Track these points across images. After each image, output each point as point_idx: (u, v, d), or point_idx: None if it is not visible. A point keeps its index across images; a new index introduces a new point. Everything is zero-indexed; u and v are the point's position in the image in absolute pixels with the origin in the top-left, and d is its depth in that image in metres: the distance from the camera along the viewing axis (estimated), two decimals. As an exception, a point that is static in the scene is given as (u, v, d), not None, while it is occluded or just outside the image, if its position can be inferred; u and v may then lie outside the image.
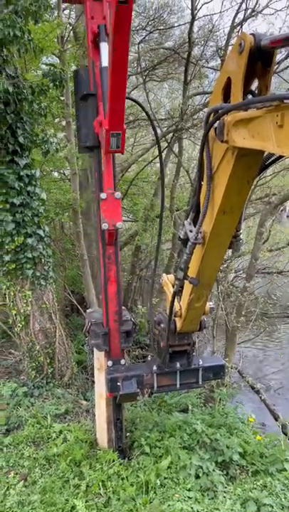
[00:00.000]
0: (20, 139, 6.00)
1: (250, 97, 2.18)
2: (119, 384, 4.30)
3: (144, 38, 12.22)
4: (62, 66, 7.37)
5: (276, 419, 9.26)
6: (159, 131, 12.32)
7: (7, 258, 6.31)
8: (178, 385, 4.50)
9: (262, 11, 10.28)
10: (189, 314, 3.73)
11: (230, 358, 10.12)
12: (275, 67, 2.21)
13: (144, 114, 14.48)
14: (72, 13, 11.09)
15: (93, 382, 5.32)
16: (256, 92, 2.19)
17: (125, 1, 2.27)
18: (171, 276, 4.17)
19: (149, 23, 12.01)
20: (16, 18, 4.86)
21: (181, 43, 11.98)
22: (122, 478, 4.53)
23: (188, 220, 3.03)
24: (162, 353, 4.26)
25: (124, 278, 13.30)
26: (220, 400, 6.18)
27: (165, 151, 13.56)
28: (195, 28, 10.92)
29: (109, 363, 4.48)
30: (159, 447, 4.90)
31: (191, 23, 10.26)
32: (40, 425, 5.76)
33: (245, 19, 10.08)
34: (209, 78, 13.12)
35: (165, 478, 4.47)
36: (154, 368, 4.36)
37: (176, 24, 12.60)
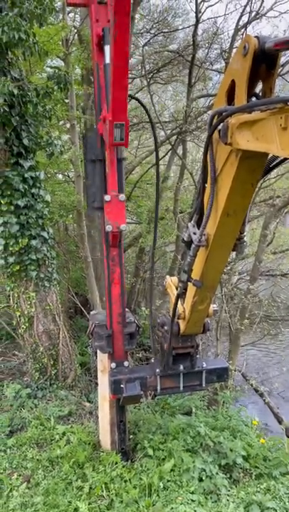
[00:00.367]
0: (25, 141, 6.02)
1: (254, 99, 2.18)
2: (123, 386, 4.29)
3: (149, 40, 12.28)
4: (67, 69, 7.41)
5: (280, 422, 9.22)
6: (163, 133, 12.35)
7: (11, 260, 6.33)
8: (181, 388, 4.49)
9: (266, 13, 10.32)
10: (193, 316, 3.72)
11: (234, 360, 10.11)
12: (280, 69, 2.22)
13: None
14: (77, 16, 11.14)
15: (96, 383, 5.32)
16: (260, 94, 2.19)
17: None
18: (175, 279, 4.17)
19: (154, 26, 12.07)
20: (20, 21, 4.89)
21: (185, 46, 12.02)
22: (125, 481, 4.52)
23: (192, 222, 3.03)
24: (166, 355, 4.26)
25: (127, 280, 13.31)
26: (223, 402, 6.18)
27: (169, 154, 13.59)
28: (199, 31, 10.96)
29: (113, 365, 4.48)
30: (163, 450, 4.89)
31: (196, 26, 10.29)
32: (43, 427, 5.76)
33: (249, 22, 10.09)
34: (213, 81, 13.16)
35: (168, 480, 4.46)
36: (158, 370, 4.35)
37: (180, 27, 12.66)
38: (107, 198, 3.84)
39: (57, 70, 6.15)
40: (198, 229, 2.88)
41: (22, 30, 4.92)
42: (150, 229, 11.39)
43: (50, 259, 6.82)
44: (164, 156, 14.36)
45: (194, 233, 2.93)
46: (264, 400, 10.25)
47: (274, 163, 2.44)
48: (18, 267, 6.41)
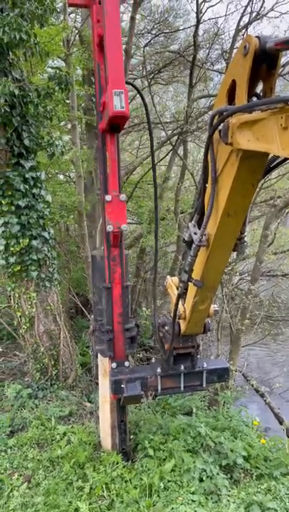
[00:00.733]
0: (26, 142, 6.03)
1: (254, 99, 2.18)
2: (123, 386, 4.29)
3: (150, 41, 12.29)
4: (68, 69, 7.42)
5: (280, 423, 9.21)
6: (164, 133, 12.36)
7: (12, 260, 6.34)
8: (182, 388, 4.49)
9: (267, 13, 10.32)
10: (193, 317, 3.73)
11: (235, 360, 10.11)
12: (280, 69, 2.22)
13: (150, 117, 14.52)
14: (78, 16, 11.17)
15: (97, 384, 5.32)
16: (261, 94, 2.19)
17: None
18: (176, 279, 4.17)
19: (155, 26, 12.08)
20: (21, 21, 4.90)
21: (186, 46, 12.03)
22: (126, 481, 4.52)
23: (193, 222, 3.04)
24: (166, 355, 4.26)
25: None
26: (224, 403, 6.17)
27: (170, 154, 13.60)
28: (200, 31, 10.97)
29: (114, 365, 4.47)
30: (163, 450, 4.88)
31: (197, 27, 10.29)
32: (44, 427, 5.76)
33: (250, 22, 10.10)
34: (214, 81, 13.17)
35: (169, 481, 4.46)
36: (158, 370, 4.35)
37: (181, 27, 12.67)
38: (107, 197, 3.84)
39: (58, 71, 6.16)
40: (199, 229, 2.88)
41: (23, 31, 4.93)
42: (151, 229, 11.41)
43: (51, 259, 6.82)
44: (164, 157, 14.38)
45: (195, 233, 2.93)
46: (265, 401, 10.24)
47: (275, 163, 2.45)
48: (19, 267, 6.42)
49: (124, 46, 8.49)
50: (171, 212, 12.60)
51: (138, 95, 13.01)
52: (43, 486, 4.61)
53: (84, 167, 10.05)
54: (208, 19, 14.87)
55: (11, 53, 5.59)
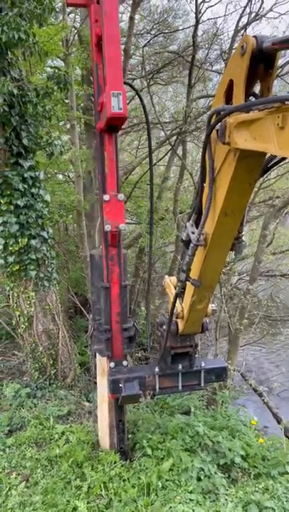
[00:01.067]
0: (25, 141, 6.03)
1: (252, 99, 2.19)
2: (122, 385, 4.30)
3: (149, 41, 12.31)
4: (67, 69, 7.42)
5: (278, 422, 9.23)
6: (163, 133, 12.36)
7: (11, 259, 6.34)
8: (180, 387, 4.49)
9: (266, 14, 10.34)
10: (191, 316, 3.73)
11: (233, 360, 10.12)
12: (278, 70, 2.23)
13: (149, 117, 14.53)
14: (77, 16, 11.17)
15: (95, 383, 5.33)
16: (258, 94, 2.20)
17: None
18: (174, 279, 4.17)
19: (154, 26, 12.09)
20: (20, 21, 4.90)
21: (185, 47, 12.05)
22: (124, 480, 4.53)
23: (191, 221, 3.04)
24: (164, 354, 4.27)
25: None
26: (222, 402, 6.18)
27: (169, 154, 13.62)
28: (199, 32, 11.00)
29: (112, 364, 4.48)
30: (161, 449, 4.89)
31: (196, 27, 10.31)
32: (42, 426, 5.77)
33: (249, 23, 10.13)
34: (213, 81, 13.19)
35: (167, 480, 4.47)
36: (156, 369, 4.36)
37: (180, 28, 12.68)
38: (106, 197, 3.84)
39: (57, 70, 6.16)
40: (197, 228, 2.89)
41: (22, 30, 4.92)
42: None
43: (49, 258, 6.82)
44: (163, 157, 14.39)
45: (193, 232, 2.93)
46: (263, 400, 10.27)
47: (272, 162, 2.45)
48: (17, 267, 6.42)
49: (123, 46, 8.50)
50: (170, 212, 12.61)
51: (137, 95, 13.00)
52: (41, 485, 4.62)
53: (83, 167, 10.06)
54: (208, 19, 14.92)
55: (9, 53, 5.59)
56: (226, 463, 4.72)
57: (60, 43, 8.17)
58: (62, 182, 13.25)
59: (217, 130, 2.30)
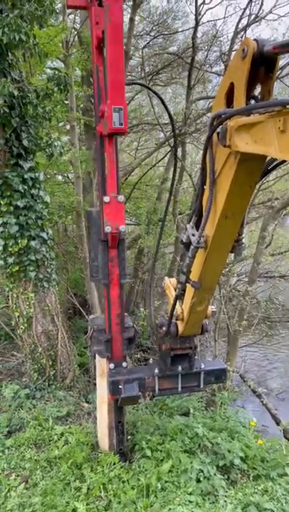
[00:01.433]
0: (25, 143, 6.04)
1: (253, 102, 2.19)
2: (121, 387, 4.30)
3: (148, 43, 12.33)
4: (67, 70, 7.44)
5: (278, 424, 9.23)
6: (162, 135, 12.38)
7: (10, 260, 6.34)
8: (179, 389, 4.49)
9: (265, 16, 10.37)
10: (191, 318, 3.74)
11: (232, 361, 10.12)
12: (278, 72, 2.24)
13: (147, 118, 14.58)
14: (77, 18, 11.18)
15: (95, 384, 5.33)
16: (259, 97, 2.21)
17: None
18: (174, 280, 4.18)
19: (154, 28, 12.11)
20: (21, 22, 4.90)
21: (185, 48, 12.08)
22: (123, 482, 4.52)
23: (191, 224, 3.05)
24: (164, 356, 4.27)
25: (126, 281, 13.28)
26: (221, 403, 6.18)
27: (168, 156, 13.63)
28: (199, 33, 11.02)
29: (111, 365, 4.48)
30: (160, 451, 4.89)
31: (195, 29, 10.33)
32: (41, 427, 5.76)
33: (248, 25, 10.14)
34: (213, 83, 13.23)
35: (166, 481, 4.46)
36: (156, 371, 4.36)
37: (180, 29, 12.71)
38: (106, 199, 3.85)
39: (57, 72, 6.17)
40: (197, 231, 2.90)
41: (22, 32, 4.93)
42: (149, 230, 11.42)
43: (49, 259, 6.83)
44: (163, 158, 14.40)
45: (193, 235, 2.94)
46: (262, 401, 10.26)
47: (272, 165, 2.46)
48: (17, 268, 6.42)
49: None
50: (170, 213, 12.60)
51: (137, 96, 12.99)
52: (41, 486, 4.61)
53: (82, 168, 10.06)
54: (207, 21, 14.92)
55: (10, 54, 5.59)
56: (225, 464, 4.71)
57: (60, 45, 8.18)
58: (62, 183, 13.25)
59: (218, 133, 2.31)
